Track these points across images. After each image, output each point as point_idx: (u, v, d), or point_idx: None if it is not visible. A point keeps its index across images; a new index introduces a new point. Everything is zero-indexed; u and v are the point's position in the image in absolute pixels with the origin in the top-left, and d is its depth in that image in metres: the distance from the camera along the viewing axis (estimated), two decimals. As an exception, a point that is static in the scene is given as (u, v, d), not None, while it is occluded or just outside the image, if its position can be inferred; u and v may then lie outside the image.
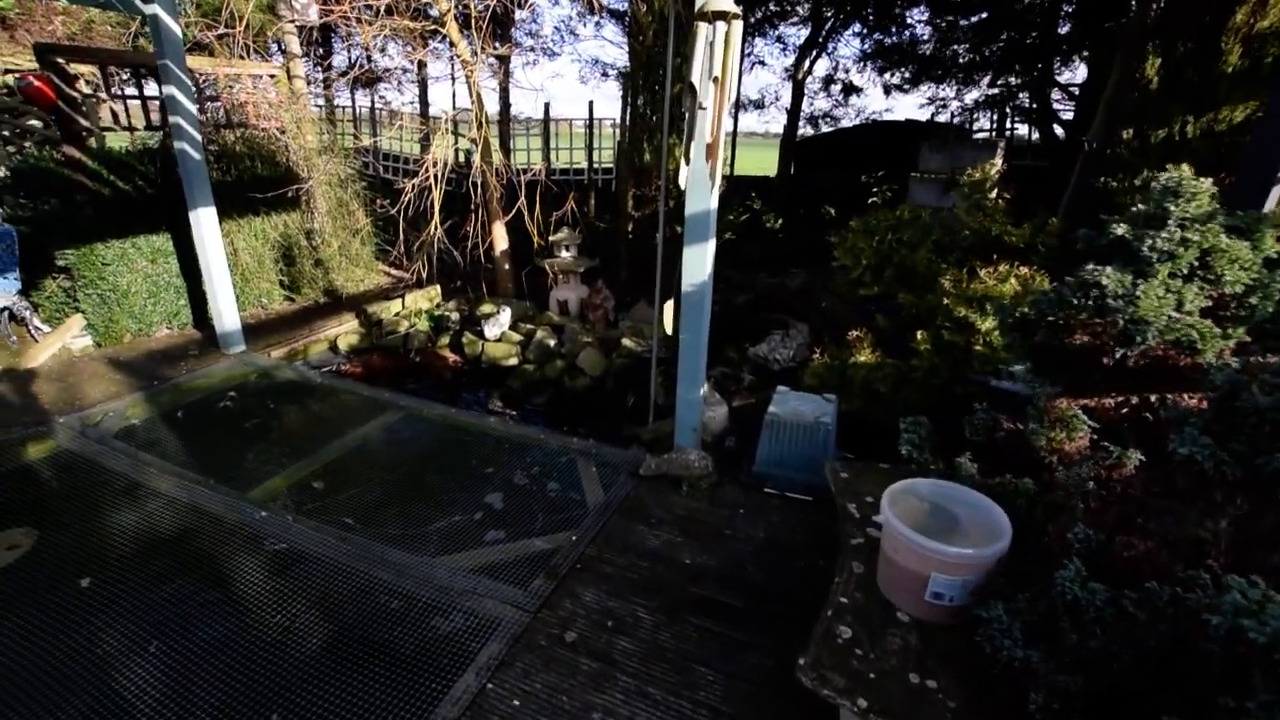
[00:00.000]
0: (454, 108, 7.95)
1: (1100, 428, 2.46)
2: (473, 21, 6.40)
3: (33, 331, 6.33)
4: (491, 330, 7.03)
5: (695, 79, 2.61)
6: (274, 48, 8.94)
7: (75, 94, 5.58)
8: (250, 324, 6.99)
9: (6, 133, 7.36)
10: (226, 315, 5.96)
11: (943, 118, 11.81)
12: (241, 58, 6.44)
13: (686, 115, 2.72)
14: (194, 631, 2.90)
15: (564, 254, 7.58)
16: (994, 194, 4.29)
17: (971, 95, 11.18)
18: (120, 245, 5.99)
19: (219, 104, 6.79)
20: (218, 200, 6.33)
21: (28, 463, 4.31)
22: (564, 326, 7.21)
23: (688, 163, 2.68)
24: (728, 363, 5.52)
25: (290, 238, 7.46)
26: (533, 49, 12.46)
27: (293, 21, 7.94)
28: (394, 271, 8.91)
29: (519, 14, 11.47)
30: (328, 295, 7.79)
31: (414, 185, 6.12)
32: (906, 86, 11.82)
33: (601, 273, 8.27)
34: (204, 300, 6.25)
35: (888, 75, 11.85)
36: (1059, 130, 9.14)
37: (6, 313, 6.13)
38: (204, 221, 5.59)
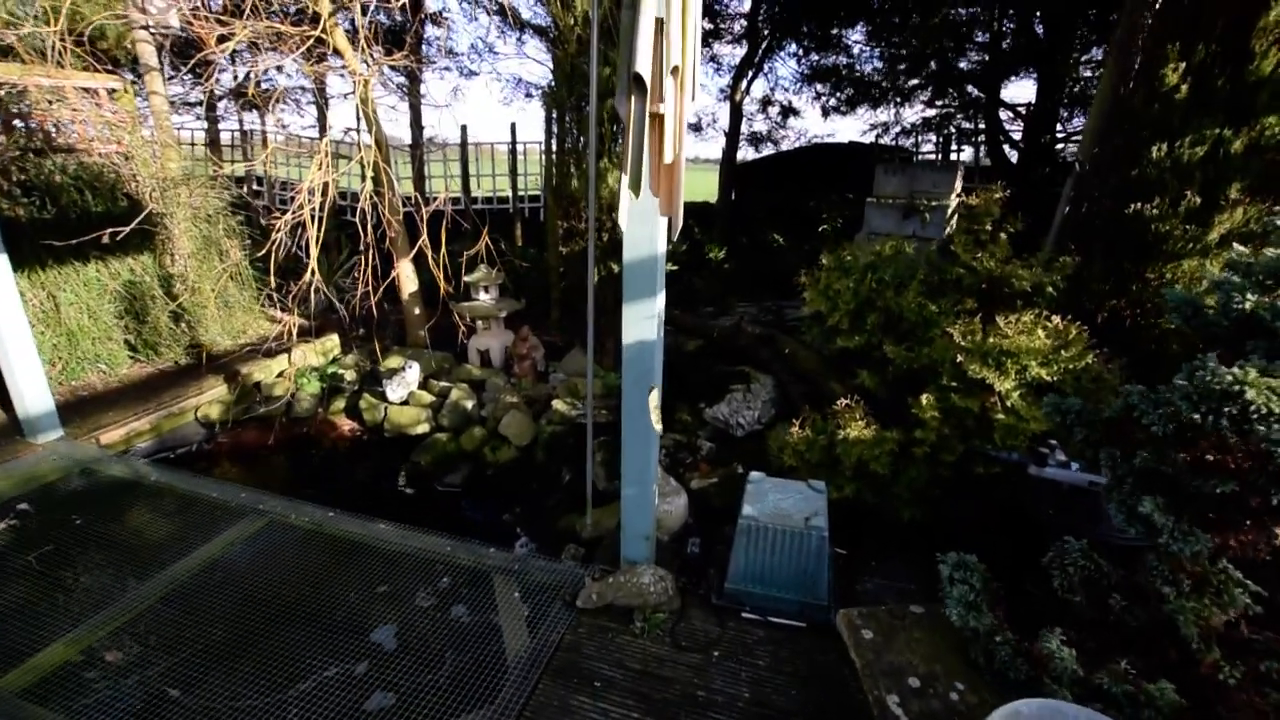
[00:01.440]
0: (348, 131, 6.79)
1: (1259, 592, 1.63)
2: (360, 32, 5.34)
3: None
4: (396, 391, 5.85)
5: (641, 68, 1.69)
6: (120, 58, 7.54)
7: None
8: (84, 397, 5.54)
9: None
10: (30, 393, 4.56)
11: (887, 141, 11.51)
12: (60, 65, 5.13)
13: (626, 128, 1.79)
14: None
15: (483, 296, 6.50)
16: (990, 225, 3.57)
17: (911, 118, 10.93)
18: (-124, 307, 4.51)
19: (32, 123, 5.40)
20: (31, 243, 4.96)
21: None
22: (485, 382, 6.11)
23: (634, 192, 1.76)
24: (681, 428, 4.57)
25: (139, 286, 6.05)
26: (447, 68, 11.40)
27: (146, 28, 6.63)
28: (284, 317, 7.57)
29: (430, 30, 10.44)
30: (193, 354, 6.38)
31: (285, 221, 4.93)
32: (844, 109, 11.47)
33: (528, 316, 7.23)
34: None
35: (826, 98, 11.48)
36: (1010, 151, 8.89)
37: None
38: (-12, 275, 4.23)
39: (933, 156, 11.07)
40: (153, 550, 3.67)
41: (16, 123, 5.41)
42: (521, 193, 10.86)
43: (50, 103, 5.65)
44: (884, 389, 3.75)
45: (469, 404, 5.63)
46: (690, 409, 4.71)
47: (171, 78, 8.90)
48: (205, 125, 10.42)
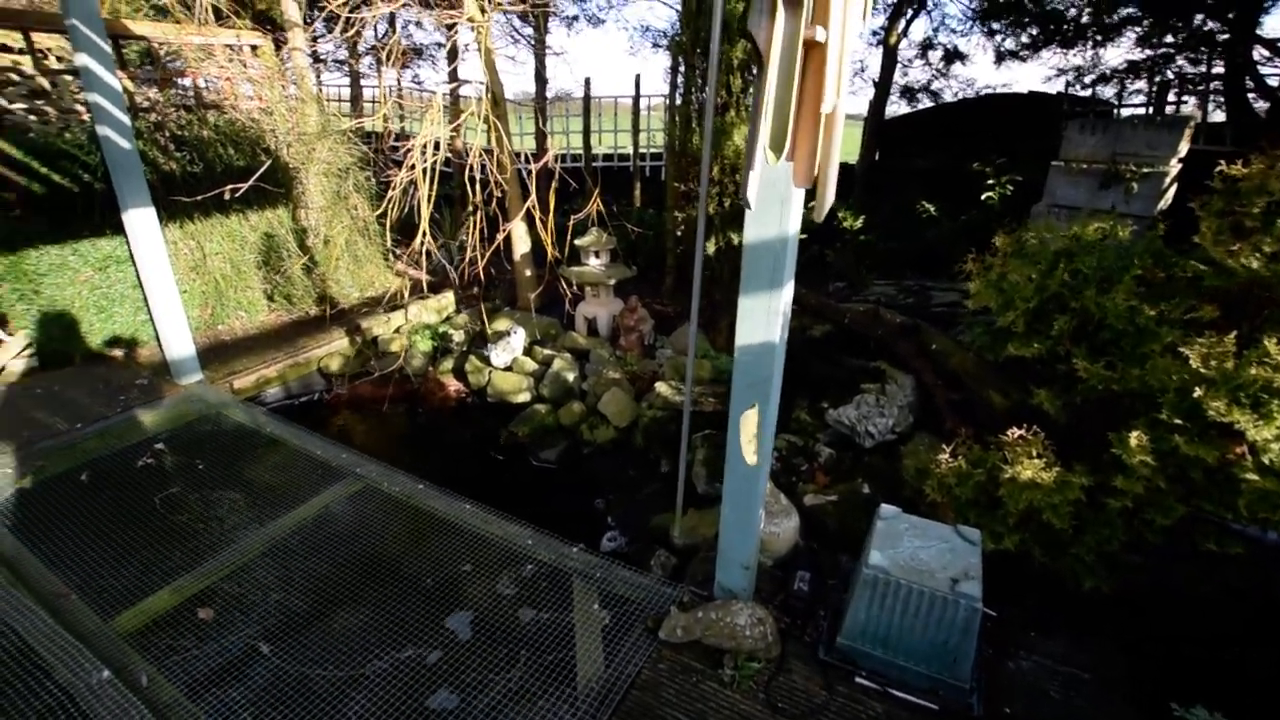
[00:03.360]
0: (461, 84, 6.60)
1: None
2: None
3: (-25, 349, 5.44)
4: (500, 357, 5.73)
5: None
6: (273, 17, 7.85)
7: (-7, 67, 4.55)
8: (225, 341, 5.96)
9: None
10: (175, 339, 4.88)
11: (1079, 91, 9.60)
12: (204, 23, 5.33)
13: (764, 62, 1.25)
14: None
15: (592, 262, 6.17)
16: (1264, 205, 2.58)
17: (1114, 60, 8.97)
18: (59, 252, 4.99)
19: (185, 81, 5.70)
20: (181, 196, 5.26)
21: None
22: (589, 352, 5.83)
23: (774, 152, 1.24)
24: (796, 427, 3.99)
25: (276, 239, 6.36)
26: (575, 17, 10.97)
27: (288, -18, 6.79)
28: (411, 272, 7.75)
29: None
30: (323, 305, 6.67)
31: (400, 179, 4.82)
32: (1025, 52, 9.67)
33: (641, 283, 6.82)
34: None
35: (1002, 39, 9.73)
36: (1260, 104, 6.97)
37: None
38: (138, 225, 4.49)
39: (1142, 110, 9.07)
40: (260, 503, 3.77)
41: (172, 80, 5.71)
42: (644, 150, 10.36)
43: (200, 62, 5.93)
44: (1068, 414, 2.94)
45: (570, 376, 5.38)
46: (810, 407, 4.10)
47: (320, 36, 9.26)
48: (348, 82, 10.85)
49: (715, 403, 4.43)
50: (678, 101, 6.46)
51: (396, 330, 6.42)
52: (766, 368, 2.17)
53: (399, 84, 10.51)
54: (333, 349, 6.01)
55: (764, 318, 2.06)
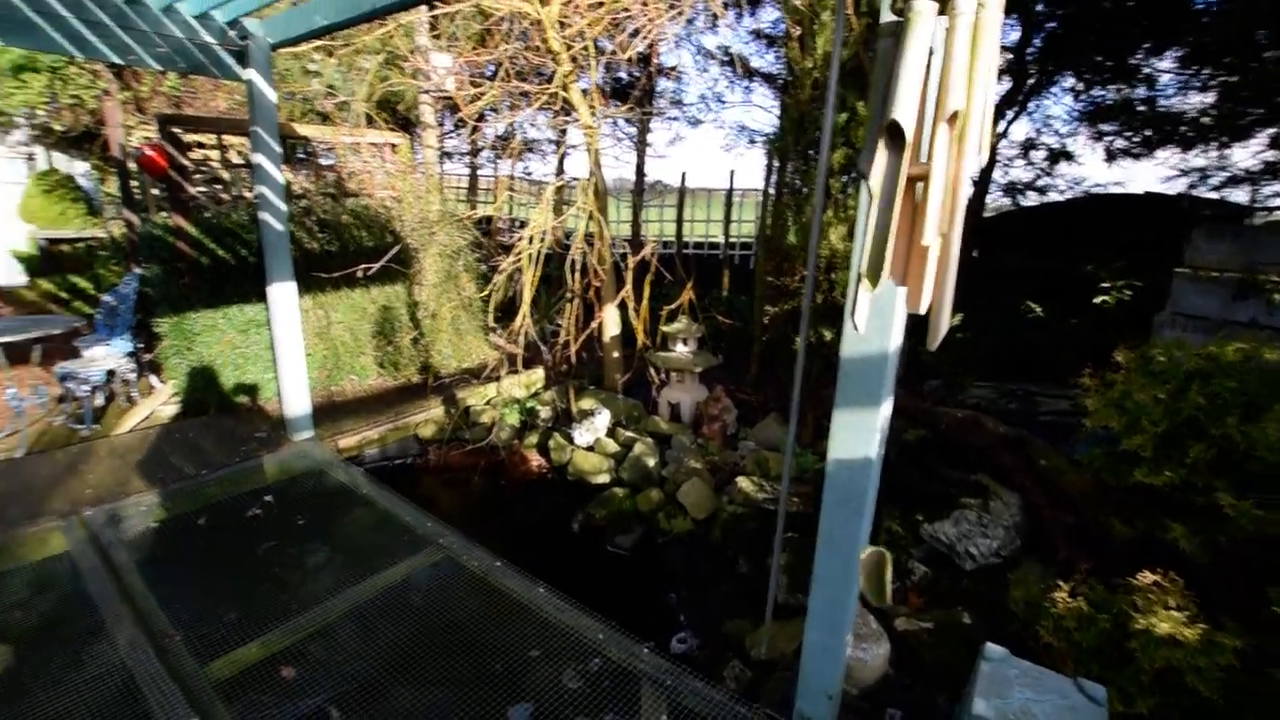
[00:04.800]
0: (571, 180, 7.17)
1: None
2: (593, 88, 5.54)
3: (133, 395, 6.19)
4: (583, 436, 5.84)
5: (900, 113, 1.20)
6: (409, 117, 8.92)
7: (187, 163, 5.41)
8: (336, 402, 6.45)
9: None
10: (295, 398, 5.34)
11: (1205, 193, 9.06)
12: (356, 125, 6.16)
13: (871, 194, 1.29)
14: None
15: (680, 348, 6.27)
16: None
17: (1245, 161, 8.43)
18: (211, 315, 5.69)
19: (333, 172, 6.53)
20: (321, 271, 5.91)
21: (20, 567, 3.72)
22: (671, 438, 5.82)
23: (870, 281, 1.24)
24: (887, 540, 3.75)
25: (391, 311, 6.95)
26: (674, 118, 11.73)
27: (427, 92, 7.75)
28: (506, 346, 8.19)
29: (663, 82, 10.84)
30: (424, 373, 7.13)
31: (508, 264, 5.20)
32: (1139, 151, 9.31)
33: (724, 370, 6.83)
34: (288, 377, 5.75)
35: (1112, 139, 9.44)
36: None
37: (115, 374, 6.03)
38: (279, 297, 5.05)
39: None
40: (349, 564, 3.94)
41: (321, 172, 6.56)
42: (733, 239, 10.64)
43: (345, 157, 6.79)
44: (1211, 555, 2.60)
45: (651, 461, 5.37)
46: (902, 518, 3.85)
47: (447, 133, 10.42)
48: (468, 172, 12.02)
49: (799, 504, 4.26)
50: (769, 197, 6.66)
51: (488, 402, 6.72)
52: (860, 484, 2.08)
53: (511, 174, 11.50)
54: (429, 416, 6.35)
55: (861, 434, 2.00)
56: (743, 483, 4.66)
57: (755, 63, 10.89)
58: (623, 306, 5.95)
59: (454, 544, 4.06)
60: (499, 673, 3.10)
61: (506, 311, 6.20)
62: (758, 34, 11.17)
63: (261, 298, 5.83)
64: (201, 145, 6.02)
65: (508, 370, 6.15)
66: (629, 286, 5.05)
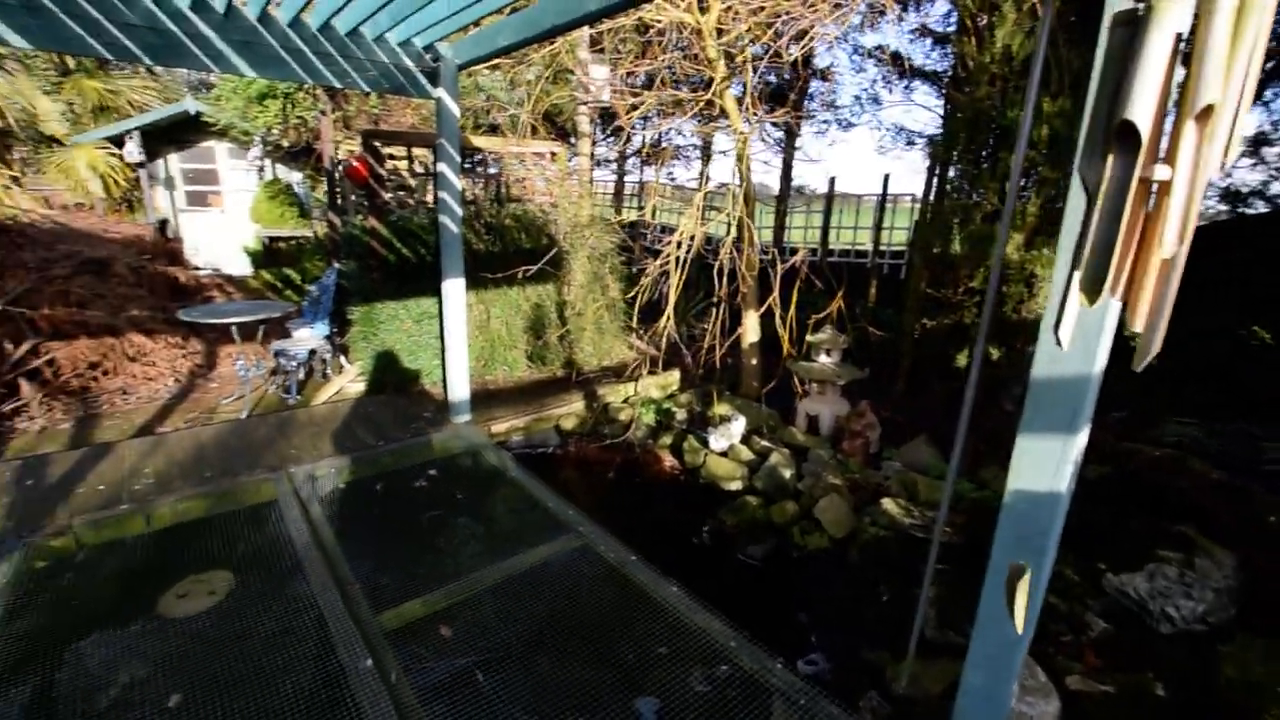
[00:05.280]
0: (721, 185, 7.19)
1: None
2: (747, 93, 5.52)
3: (327, 372, 7.15)
4: (718, 441, 5.83)
5: (1136, 112, 1.07)
6: (566, 127, 9.45)
7: (383, 172, 6.16)
8: (490, 390, 7.01)
9: (363, 205, 8.98)
10: (457, 385, 5.87)
11: None
12: (523, 137, 6.65)
13: (1094, 199, 1.17)
14: None
15: (823, 359, 6.05)
16: None
17: None
18: (393, 306, 6.42)
19: (499, 180, 7.11)
20: (484, 270, 6.46)
21: (241, 508, 4.44)
22: (808, 451, 5.64)
23: (1087, 297, 1.13)
24: (1059, 587, 3.35)
25: (542, 309, 7.41)
26: (826, 121, 11.34)
27: (585, 103, 8.18)
28: (643, 346, 8.43)
29: (816, 84, 10.53)
30: (567, 369, 7.54)
31: (655, 267, 5.35)
32: None
33: (868, 385, 6.49)
34: (454, 365, 6.34)
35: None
36: None
37: (314, 353, 7.01)
38: (451, 292, 5.58)
39: None
40: (497, 539, 4.26)
41: (489, 180, 7.15)
42: (883, 248, 10.08)
43: (511, 165, 7.35)
44: None
45: (787, 472, 5.24)
46: (1077, 563, 3.42)
47: (599, 141, 10.92)
48: (614, 178, 12.51)
49: (951, 533, 3.93)
50: (930, 203, 6.22)
51: (626, 400, 6.94)
52: (1045, 522, 1.88)
53: (657, 179, 11.79)
54: (571, 409, 6.69)
55: (1050, 465, 1.81)
56: (888, 505, 4.39)
57: (918, 60, 10.24)
58: (766, 313, 5.87)
59: (592, 533, 4.24)
60: (628, 663, 3.18)
61: (646, 314, 6.37)
62: (923, 29, 10.51)
63: (434, 293, 6.48)
64: (393, 157, 6.83)
65: (647, 370, 6.31)
66: (775, 294, 4.97)
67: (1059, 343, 1.37)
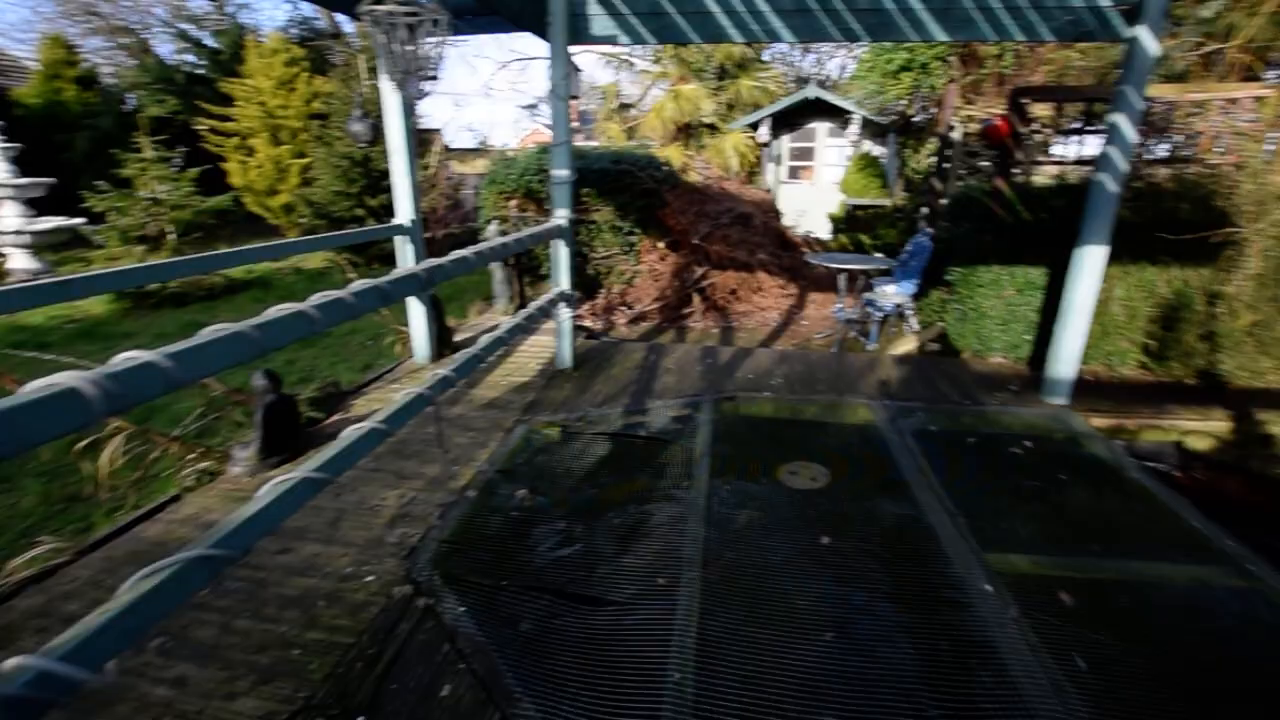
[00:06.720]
0: None
1: None
2: None
3: (906, 329, 7.63)
4: None
5: None
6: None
7: (1023, 132, 5.92)
8: (1084, 380, 6.15)
9: (963, 170, 8.90)
10: (1064, 364, 5.38)
11: None
12: (1221, 80, 5.23)
13: None
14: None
15: None
16: None
17: None
18: (998, 271, 6.25)
19: (1166, 137, 5.85)
20: (1114, 242, 5.62)
21: (843, 423, 5.21)
22: None
23: None
24: None
25: (1182, 298, 5.96)
26: None
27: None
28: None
29: None
30: (1202, 378, 5.94)
31: None
32: None
33: None
34: (1048, 340, 5.82)
35: None
36: None
37: (899, 310, 7.57)
38: (1087, 260, 5.06)
39: None
40: (1105, 536, 3.78)
41: (1155, 137, 6.00)
42: None
43: (1188, 118, 5.95)
44: None
45: None
46: None
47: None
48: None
49: None
50: None
51: (1305, 436, 5.03)
52: None
53: None
54: (1205, 427, 5.28)
55: None
56: None
57: None
58: None
59: (1266, 575, 3.31)
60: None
61: None
62: None
63: (1044, 261, 6.00)
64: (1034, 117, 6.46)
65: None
66: None
67: None
